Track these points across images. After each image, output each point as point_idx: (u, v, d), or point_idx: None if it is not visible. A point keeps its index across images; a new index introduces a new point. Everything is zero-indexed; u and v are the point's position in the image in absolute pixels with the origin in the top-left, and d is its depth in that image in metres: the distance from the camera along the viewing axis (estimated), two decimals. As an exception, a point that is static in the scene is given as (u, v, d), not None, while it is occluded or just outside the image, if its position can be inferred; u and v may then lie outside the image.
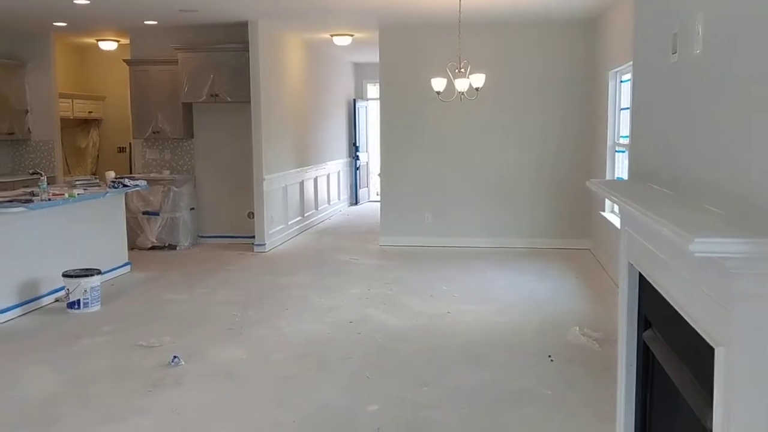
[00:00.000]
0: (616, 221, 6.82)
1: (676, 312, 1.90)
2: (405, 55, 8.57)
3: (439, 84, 6.68)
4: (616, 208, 7.17)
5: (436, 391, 4.11)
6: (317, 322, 5.54)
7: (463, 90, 6.63)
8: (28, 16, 7.84)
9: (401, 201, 8.73)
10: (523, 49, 8.38)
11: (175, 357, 4.55)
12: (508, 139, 8.50)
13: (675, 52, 2.21)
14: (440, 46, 7.71)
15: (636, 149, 2.90)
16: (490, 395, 4.06)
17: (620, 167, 7.26)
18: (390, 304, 6.05)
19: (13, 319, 5.54)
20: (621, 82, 7.22)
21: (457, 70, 6.59)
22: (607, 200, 7.38)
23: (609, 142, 7.41)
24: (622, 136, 7.20)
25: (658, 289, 2.11)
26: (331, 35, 9.33)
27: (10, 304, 5.57)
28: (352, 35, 9.30)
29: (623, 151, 7.12)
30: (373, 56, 10.05)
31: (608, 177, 7.36)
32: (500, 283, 6.83)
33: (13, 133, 8.79)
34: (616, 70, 7.13)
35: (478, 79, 6.62)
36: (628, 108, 6.96)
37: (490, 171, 8.55)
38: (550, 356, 4.66)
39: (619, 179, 6.94)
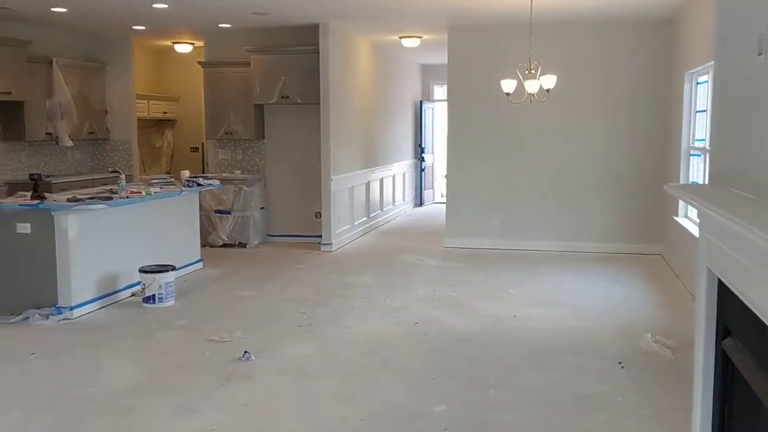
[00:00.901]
0: (690, 226, 6.64)
1: (762, 322, 1.85)
2: (474, 57, 8.54)
3: (508, 85, 6.63)
4: (690, 212, 6.97)
5: (503, 394, 4.09)
6: (383, 321, 5.58)
7: (533, 91, 6.57)
8: (109, 21, 8.15)
9: (467, 202, 8.70)
10: (594, 50, 8.23)
11: (245, 352, 4.66)
12: (578, 141, 8.37)
13: (761, 54, 2.15)
14: (510, 48, 7.65)
15: (717, 153, 2.82)
16: (560, 400, 4.02)
17: (695, 171, 7.06)
18: (456, 305, 6.04)
19: (92, 311, 5.77)
20: (697, 83, 7.02)
21: (527, 72, 6.53)
22: (680, 204, 7.19)
23: (683, 146, 7.22)
24: (697, 140, 7.00)
25: (742, 298, 2.06)
26: (400, 37, 9.38)
27: (90, 298, 5.81)
28: (420, 37, 9.33)
29: (698, 155, 6.92)
30: (440, 58, 10.06)
31: (682, 181, 7.16)
32: (569, 287, 6.74)
33: (93, 133, 9.16)
34: (692, 71, 6.94)
35: (549, 81, 6.54)
36: (704, 110, 6.77)
37: (559, 173, 8.43)
38: (620, 362, 4.57)
39: (694, 183, 6.75)
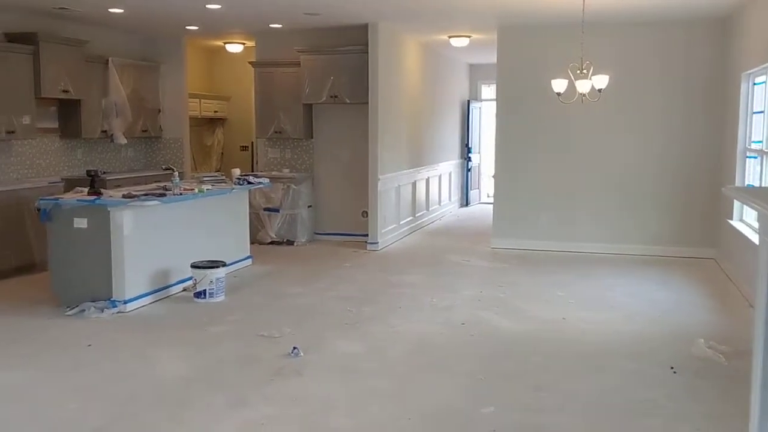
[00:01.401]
0: (746, 230, 6.48)
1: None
2: (523, 56, 8.47)
3: (559, 85, 6.57)
4: (746, 215, 6.80)
5: (552, 397, 4.05)
6: (430, 321, 5.59)
7: (584, 91, 6.49)
8: (163, 21, 8.32)
9: (515, 203, 8.64)
10: (648, 50, 8.09)
11: (294, 348, 4.72)
12: (630, 142, 8.24)
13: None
14: (560, 47, 7.58)
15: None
16: (610, 404, 3.97)
17: (751, 173, 6.88)
18: (503, 307, 6.01)
19: (145, 305, 5.90)
20: (754, 84, 6.84)
21: (578, 71, 6.46)
22: (735, 207, 7.02)
23: (739, 147, 7.05)
24: (754, 141, 6.83)
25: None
26: (449, 37, 9.37)
27: (143, 292, 5.94)
28: (469, 36, 9.30)
29: (755, 157, 6.75)
30: (488, 57, 10.01)
31: (737, 183, 7.00)
32: (619, 290, 6.64)
33: (146, 131, 9.36)
34: (749, 72, 6.77)
35: (601, 80, 6.46)
36: (761, 112, 6.60)
37: (610, 174, 8.31)
38: (672, 368, 4.49)
39: (750, 186, 6.59)
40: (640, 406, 3.93)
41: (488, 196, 13.51)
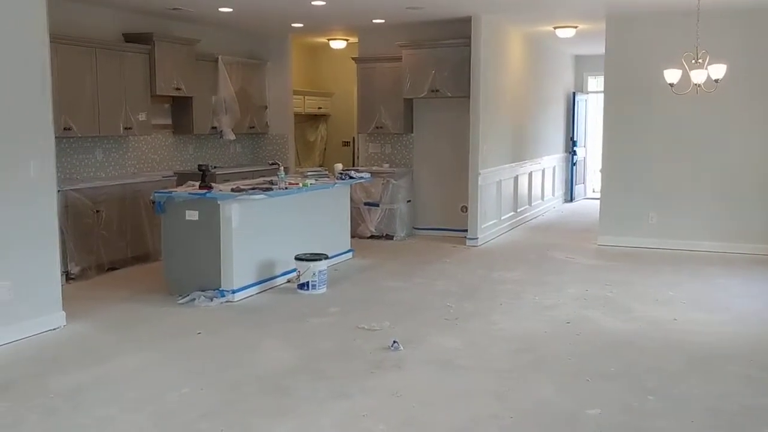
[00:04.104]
0: None
1: None
2: (633, 46, 8.14)
3: (672, 76, 6.27)
4: None
5: (662, 401, 3.88)
6: (533, 319, 5.47)
7: (699, 82, 6.18)
8: (270, 19, 8.54)
9: (623, 199, 8.33)
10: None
11: (394, 342, 4.74)
12: (748, 137, 7.77)
13: None
14: (673, 36, 7.24)
15: None
16: (725, 409, 3.76)
17: None
18: (610, 306, 5.81)
19: (251, 296, 6.09)
20: None
21: (693, 61, 6.14)
22: None
23: None
24: None
25: None
26: (554, 27, 9.13)
27: (250, 282, 6.13)
28: (576, 27, 9.03)
29: None
30: (595, 48, 9.70)
31: None
32: (733, 290, 6.29)
33: (253, 127, 9.64)
34: None
35: (717, 70, 6.12)
36: None
37: (725, 170, 7.87)
38: (795, 376, 4.21)
39: None
40: (753, 414, 3.71)
41: (594, 192, 13.12)
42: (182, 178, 7.38)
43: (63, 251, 6.37)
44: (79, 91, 6.92)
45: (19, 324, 4.85)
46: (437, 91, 8.63)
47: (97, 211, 6.88)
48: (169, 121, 8.56)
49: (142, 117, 7.68)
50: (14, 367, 4.40)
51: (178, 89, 8.13)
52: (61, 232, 6.28)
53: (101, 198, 6.94)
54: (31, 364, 4.45)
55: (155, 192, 6.22)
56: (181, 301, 5.86)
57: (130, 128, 7.56)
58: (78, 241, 6.65)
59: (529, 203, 10.67)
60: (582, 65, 13.19)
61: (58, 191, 6.21)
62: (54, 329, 5.08)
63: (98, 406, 3.80)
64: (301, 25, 8.94)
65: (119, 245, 7.16)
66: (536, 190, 11.02)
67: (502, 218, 9.41)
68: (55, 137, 5.34)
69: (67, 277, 6.49)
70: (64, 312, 5.21)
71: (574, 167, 13.04)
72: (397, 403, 3.87)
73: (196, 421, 3.63)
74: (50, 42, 5.15)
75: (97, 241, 6.89)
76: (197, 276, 5.97)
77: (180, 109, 8.53)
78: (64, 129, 6.72)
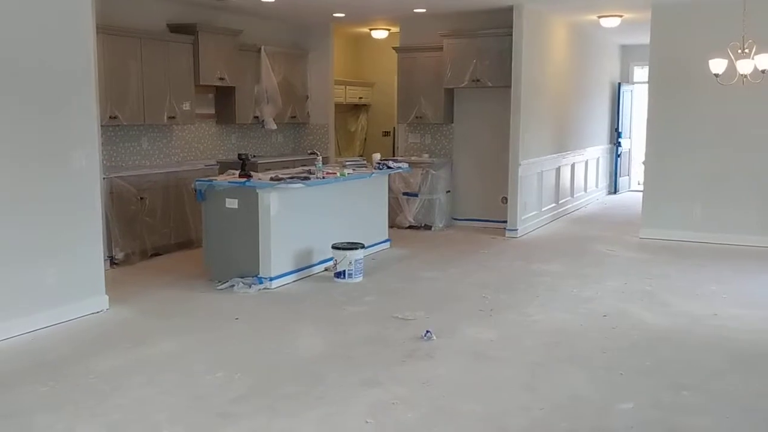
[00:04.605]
0: None
1: None
2: (679, 35, 7.96)
3: (718, 66, 6.12)
4: None
5: (697, 397, 3.82)
6: (569, 312, 5.42)
7: (746, 72, 6.02)
8: (312, 9, 8.59)
9: (666, 191, 8.17)
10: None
11: (427, 331, 4.75)
12: (798, 128, 7.54)
13: None
14: (720, 25, 7.06)
15: None
16: (762, 408, 3.69)
17: None
18: (649, 300, 5.73)
19: (289, 283, 6.17)
20: None
21: (740, 51, 5.98)
22: None
23: None
24: None
25: None
26: (599, 17, 8.98)
27: (287, 270, 6.21)
28: (621, 16, 8.87)
29: None
30: (642, 37, 9.50)
31: None
32: (779, 287, 6.14)
33: (295, 117, 9.72)
34: None
35: (764, 61, 5.95)
36: None
37: (771, 162, 7.67)
38: (839, 375, 4.10)
39: None
40: (797, 414, 3.62)
41: (639, 184, 12.87)
42: (224, 167, 7.49)
43: (108, 237, 6.57)
44: (124, 80, 7.08)
45: (64, 307, 5.02)
46: (478, 80, 8.58)
47: (142, 198, 7.05)
48: (212, 111, 8.70)
49: (186, 106, 7.82)
50: (58, 348, 4.55)
51: (221, 79, 8.25)
52: (107, 219, 6.49)
53: (146, 185, 7.11)
54: (74, 346, 4.60)
55: (196, 180, 6.36)
56: (220, 288, 5.98)
57: (174, 117, 7.70)
58: (123, 228, 6.82)
59: (572, 195, 10.55)
60: (628, 55, 12.94)
61: (104, 178, 6.43)
62: (97, 312, 5.24)
63: (136, 388, 3.92)
64: (342, 15, 8.97)
65: (163, 232, 7.32)
66: (579, 181, 10.89)
67: (543, 210, 9.33)
68: (102, 126, 5.51)
69: (112, 262, 6.68)
70: (107, 296, 5.37)
71: (619, 159, 12.83)
72: (427, 392, 3.89)
73: (229, 403, 3.71)
74: (97, 32, 5.29)
75: (141, 228, 7.06)
76: (236, 263, 6.08)
77: (223, 99, 8.66)
78: (110, 118, 6.88)
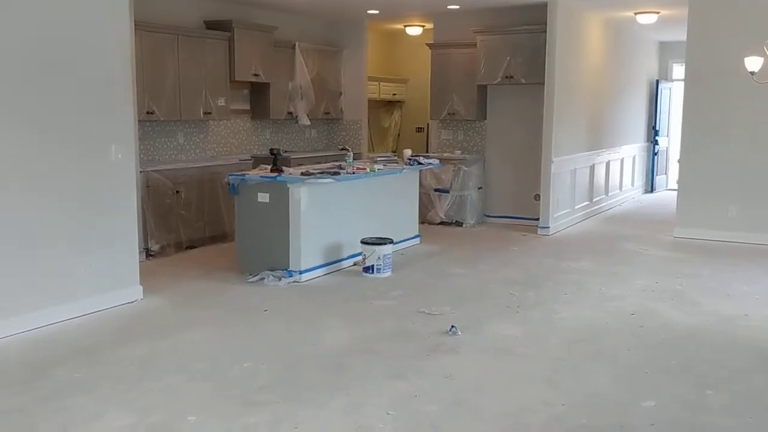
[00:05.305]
0: None
1: None
2: (716, 32, 7.83)
3: (754, 63, 6.02)
4: None
5: (721, 397, 3.79)
6: (596, 309, 5.41)
7: (783, 70, 5.91)
8: (346, 6, 8.66)
9: (702, 190, 8.06)
10: None
11: (453, 327, 4.79)
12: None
13: None
14: (758, 22, 6.93)
15: None
16: (788, 411, 3.65)
17: None
18: (678, 299, 5.67)
19: (318, 277, 6.25)
20: None
21: (777, 48, 5.88)
22: None
23: None
24: None
25: None
26: (635, 13, 8.89)
27: (317, 264, 6.30)
28: (658, 12, 8.77)
29: None
30: (680, 34, 9.34)
31: None
32: (815, 289, 6.02)
33: (328, 113, 9.82)
34: None
35: (803, 58, 5.84)
36: None
37: (813, 162, 7.51)
38: None
39: None
40: (824, 416, 3.58)
41: (676, 183, 12.67)
42: (258, 162, 7.60)
43: (144, 229, 6.74)
44: (161, 76, 7.24)
45: (99, 296, 5.18)
46: (511, 77, 8.55)
47: (177, 192, 7.20)
48: (247, 107, 8.83)
49: (221, 102, 7.96)
50: (93, 336, 4.70)
51: (256, 75, 8.37)
52: (143, 211, 6.65)
53: (181, 179, 7.26)
54: (108, 334, 4.74)
55: (229, 174, 6.47)
56: (250, 280, 6.09)
57: (209, 113, 7.84)
58: (158, 220, 6.99)
59: (606, 193, 10.45)
60: (667, 52, 12.75)
61: (141, 172, 6.59)
62: (131, 302, 5.39)
63: (165, 375, 4.03)
64: (376, 11, 9.03)
65: (197, 225, 7.47)
66: (614, 179, 10.78)
67: (576, 207, 9.27)
68: (139, 121, 5.65)
69: (147, 253, 6.84)
70: (141, 286, 5.52)
71: (656, 157, 12.66)
72: (450, 385, 3.93)
73: (255, 393, 3.80)
74: (135, 29, 5.42)
75: (177, 221, 7.21)
76: (267, 256, 6.18)
77: (258, 95, 8.78)
78: (147, 113, 7.04)
